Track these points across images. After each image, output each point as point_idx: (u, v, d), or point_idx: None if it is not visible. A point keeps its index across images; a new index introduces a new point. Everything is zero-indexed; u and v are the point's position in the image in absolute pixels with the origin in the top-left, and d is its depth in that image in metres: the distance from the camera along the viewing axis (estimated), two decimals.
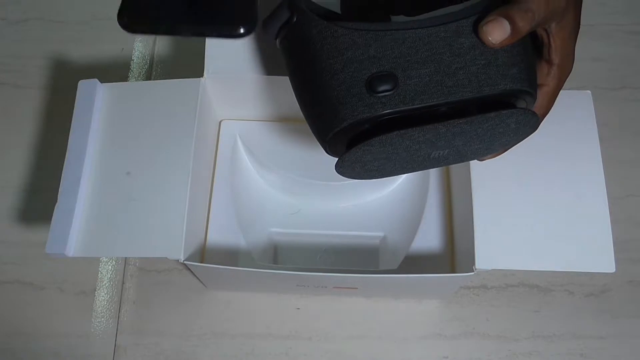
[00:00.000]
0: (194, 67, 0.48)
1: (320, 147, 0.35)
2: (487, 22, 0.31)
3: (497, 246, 0.42)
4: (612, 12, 0.68)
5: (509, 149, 0.38)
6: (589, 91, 0.46)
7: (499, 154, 0.39)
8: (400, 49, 0.31)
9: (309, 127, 0.35)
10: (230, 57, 0.47)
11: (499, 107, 0.32)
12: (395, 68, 0.31)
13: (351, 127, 0.32)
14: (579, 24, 0.35)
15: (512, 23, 0.31)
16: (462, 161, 0.37)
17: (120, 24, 0.32)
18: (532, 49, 0.34)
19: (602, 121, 0.45)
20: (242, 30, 0.28)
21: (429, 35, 0.32)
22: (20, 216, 0.59)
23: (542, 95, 0.36)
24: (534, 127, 0.34)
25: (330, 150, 0.35)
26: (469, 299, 0.55)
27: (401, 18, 0.34)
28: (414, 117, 0.32)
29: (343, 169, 0.34)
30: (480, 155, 0.37)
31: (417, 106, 0.31)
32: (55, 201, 0.42)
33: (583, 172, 0.44)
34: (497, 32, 0.31)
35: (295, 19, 0.33)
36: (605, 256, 0.41)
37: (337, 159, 0.34)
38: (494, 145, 0.35)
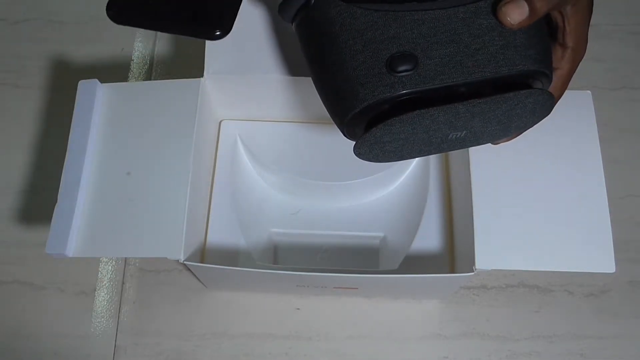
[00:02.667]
0: (194, 67, 0.48)
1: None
2: (505, 3, 0.31)
3: (497, 246, 0.42)
4: (612, 12, 0.68)
5: (523, 132, 0.38)
6: (589, 91, 0.46)
7: (512, 138, 0.39)
8: (420, 29, 0.32)
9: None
10: (230, 57, 0.47)
11: (517, 87, 0.32)
12: (415, 48, 0.31)
13: (371, 108, 0.32)
14: (592, 9, 0.35)
15: (530, 4, 0.31)
16: (478, 144, 0.37)
17: (108, 14, 0.35)
18: (547, 32, 0.34)
19: (602, 121, 0.45)
20: (217, 33, 0.30)
21: (448, 16, 0.32)
22: (20, 216, 0.59)
23: (556, 78, 0.36)
24: (549, 108, 0.34)
25: (347, 133, 0.35)
26: (469, 299, 0.55)
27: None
28: (434, 97, 0.32)
29: (361, 150, 0.34)
30: (496, 139, 0.37)
31: (437, 86, 0.31)
32: (55, 201, 0.42)
33: (583, 172, 0.44)
34: (516, 13, 0.31)
35: (313, 1, 0.33)
36: (605, 256, 0.41)
37: (351, 148, 0.34)
38: (511, 127, 0.35)
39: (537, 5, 0.31)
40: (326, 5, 0.32)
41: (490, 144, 0.39)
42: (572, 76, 0.37)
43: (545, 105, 0.34)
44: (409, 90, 0.31)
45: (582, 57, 0.37)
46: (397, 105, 0.32)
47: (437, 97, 0.32)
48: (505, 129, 0.35)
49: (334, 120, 0.35)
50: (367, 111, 0.32)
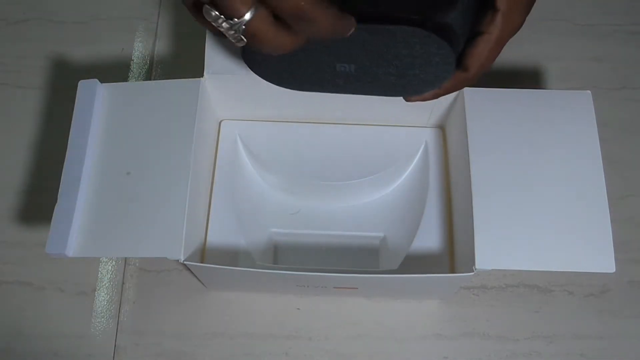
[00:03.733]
0: (194, 67, 0.48)
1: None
2: None
3: (497, 246, 0.42)
4: (612, 12, 0.68)
5: (432, 91, 0.37)
6: (589, 91, 0.46)
7: (426, 98, 0.38)
8: None
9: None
10: (230, 57, 0.47)
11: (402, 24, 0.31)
12: None
13: None
14: None
15: None
16: (381, 94, 0.37)
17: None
18: None
19: (602, 121, 0.45)
20: None
21: None
22: (20, 216, 0.59)
23: (482, 42, 0.34)
24: (446, 60, 0.33)
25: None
26: (469, 299, 0.55)
27: None
28: None
29: (250, 61, 0.34)
30: (397, 90, 0.36)
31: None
32: (55, 201, 0.43)
33: (583, 172, 0.44)
34: None
35: None
36: (605, 256, 0.41)
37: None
38: (407, 76, 0.34)
39: None
40: None
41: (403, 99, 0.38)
42: (502, 45, 0.34)
43: (438, 55, 0.32)
44: None
45: (517, 27, 0.34)
46: None
47: None
48: (401, 78, 0.34)
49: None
50: None
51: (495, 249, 0.41)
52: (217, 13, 0.29)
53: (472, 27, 0.35)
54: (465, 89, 0.46)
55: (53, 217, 0.42)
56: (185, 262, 0.42)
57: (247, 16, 0.28)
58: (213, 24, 0.30)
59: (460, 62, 0.36)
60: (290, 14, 0.28)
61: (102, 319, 0.55)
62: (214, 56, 0.46)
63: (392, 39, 0.32)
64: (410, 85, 0.36)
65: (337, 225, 0.52)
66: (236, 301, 0.55)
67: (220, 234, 0.50)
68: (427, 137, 0.53)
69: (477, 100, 0.46)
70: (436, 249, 0.50)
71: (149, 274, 0.57)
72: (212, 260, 0.49)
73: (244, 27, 0.29)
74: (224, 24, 0.29)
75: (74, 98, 0.46)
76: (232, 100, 0.50)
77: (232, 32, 0.29)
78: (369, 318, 0.54)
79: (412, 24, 0.32)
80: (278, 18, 0.29)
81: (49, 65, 0.66)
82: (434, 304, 0.55)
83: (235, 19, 0.29)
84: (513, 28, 0.34)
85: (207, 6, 0.29)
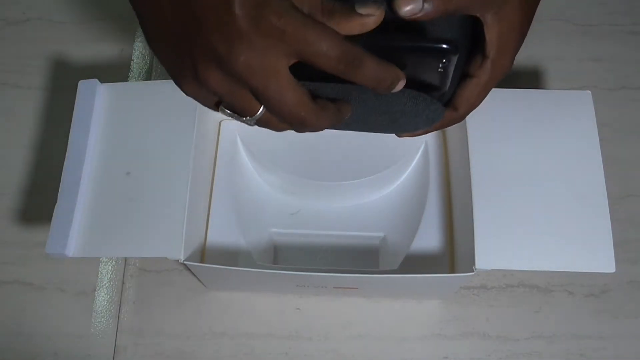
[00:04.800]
0: None
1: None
2: None
3: (497, 246, 0.42)
4: (612, 12, 0.68)
5: (424, 131, 0.39)
6: (589, 91, 0.46)
7: (418, 134, 0.40)
8: None
9: None
10: None
11: None
12: None
13: None
14: (530, 19, 0.33)
15: (426, 1, 0.29)
16: (374, 131, 0.39)
17: None
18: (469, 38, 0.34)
19: (602, 121, 0.45)
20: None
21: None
22: (20, 216, 0.59)
23: (471, 86, 0.35)
24: (436, 112, 0.34)
25: None
26: (469, 299, 0.55)
27: None
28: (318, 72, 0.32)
29: None
30: (390, 131, 0.38)
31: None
32: (55, 201, 0.43)
33: (583, 172, 0.44)
34: (407, 5, 0.29)
35: None
36: (605, 256, 0.41)
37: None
38: (399, 122, 0.36)
39: (433, 3, 0.29)
40: None
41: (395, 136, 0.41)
42: (490, 88, 0.36)
43: (431, 110, 0.34)
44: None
45: (506, 70, 0.35)
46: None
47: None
48: (393, 122, 0.36)
49: None
50: None
51: (495, 249, 0.41)
52: (231, 112, 0.33)
53: (463, 67, 0.35)
54: None
55: (53, 217, 0.42)
56: (185, 262, 0.42)
57: (258, 114, 0.32)
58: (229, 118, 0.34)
59: (449, 102, 0.37)
60: (292, 121, 0.32)
61: (102, 319, 0.55)
62: None
63: (384, 98, 0.33)
64: (402, 127, 0.38)
65: (337, 225, 0.52)
66: (236, 301, 0.55)
67: (220, 234, 0.50)
68: (427, 137, 0.53)
69: None
70: (436, 249, 0.50)
71: (149, 274, 0.57)
72: (212, 260, 0.49)
73: (256, 120, 0.33)
74: (239, 119, 0.33)
75: (74, 98, 0.46)
76: None
77: (246, 122, 0.33)
78: (369, 318, 0.54)
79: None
80: None
81: (49, 65, 0.66)
82: (434, 304, 0.55)
83: (248, 117, 0.32)
84: (502, 72, 0.35)
85: (222, 107, 0.33)
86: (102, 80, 0.47)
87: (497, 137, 0.45)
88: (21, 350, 0.54)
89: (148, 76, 0.65)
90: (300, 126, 0.33)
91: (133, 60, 0.66)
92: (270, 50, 0.28)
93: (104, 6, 0.69)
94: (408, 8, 0.29)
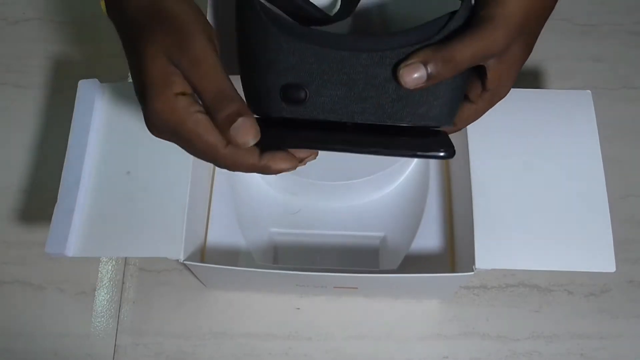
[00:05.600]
0: None
1: None
2: (405, 65, 0.31)
3: (497, 246, 0.42)
4: (612, 12, 0.68)
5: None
6: (589, 91, 0.46)
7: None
8: (320, 66, 0.33)
9: None
10: (230, 57, 0.47)
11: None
12: (310, 82, 0.33)
13: (263, 118, 0.35)
14: (530, 49, 0.34)
15: (430, 70, 0.31)
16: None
17: None
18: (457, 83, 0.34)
19: (602, 121, 0.45)
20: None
21: (350, 59, 0.33)
22: (20, 216, 0.59)
23: (470, 110, 0.36)
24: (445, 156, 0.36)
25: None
26: (469, 299, 0.55)
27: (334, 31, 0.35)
28: (321, 123, 0.34)
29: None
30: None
31: (320, 119, 0.34)
32: (55, 201, 0.43)
33: (583, 172, 0.44)
34: (412, 78, 0.31)
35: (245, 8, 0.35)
36: (605, 256, 0.41)
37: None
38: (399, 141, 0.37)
39: (437, 72, 0.31)
40: (252, 14, 0.34)
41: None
42: (486, 111, 0.37)
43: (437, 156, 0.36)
44: (294, 117, 0.34)
45: (503, 96, 0.36)
46: (286, 121, 0.35)
47: (323, 125, 0.35)
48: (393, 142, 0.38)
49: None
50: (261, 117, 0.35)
51: (495, 249, 0.41)
52: None
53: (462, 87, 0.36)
54: None
55: (53, 217, 0.42)
56: (185, 262, 0.42)
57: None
58: None
59: None
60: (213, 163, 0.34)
61: (102, 319, 0.55)
62: None
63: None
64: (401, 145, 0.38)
65: (337, 225, 0.52)
66: (236, 301, 0.55)
67: (220, 234, 0.50)
68: None
69: None
70: (436, 249, 0.50)
71: (149, 274, 0.57)
72: (212, 260, 0.49)
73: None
74: None
75: (74, 98, 0.46)
76: None
77: None
78: (369, 318, 0.54)
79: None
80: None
81: (49, 65, 0.66)
82: (434, 304, 0.55)
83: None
84: (499, 99, 0.36)
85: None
86: (102, 80, 0.47)
87: (497, 137, 0.45)
88: (21, 350, 0.54)
89: None
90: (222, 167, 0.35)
91: None
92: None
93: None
94: (416, 75, 0.31)
